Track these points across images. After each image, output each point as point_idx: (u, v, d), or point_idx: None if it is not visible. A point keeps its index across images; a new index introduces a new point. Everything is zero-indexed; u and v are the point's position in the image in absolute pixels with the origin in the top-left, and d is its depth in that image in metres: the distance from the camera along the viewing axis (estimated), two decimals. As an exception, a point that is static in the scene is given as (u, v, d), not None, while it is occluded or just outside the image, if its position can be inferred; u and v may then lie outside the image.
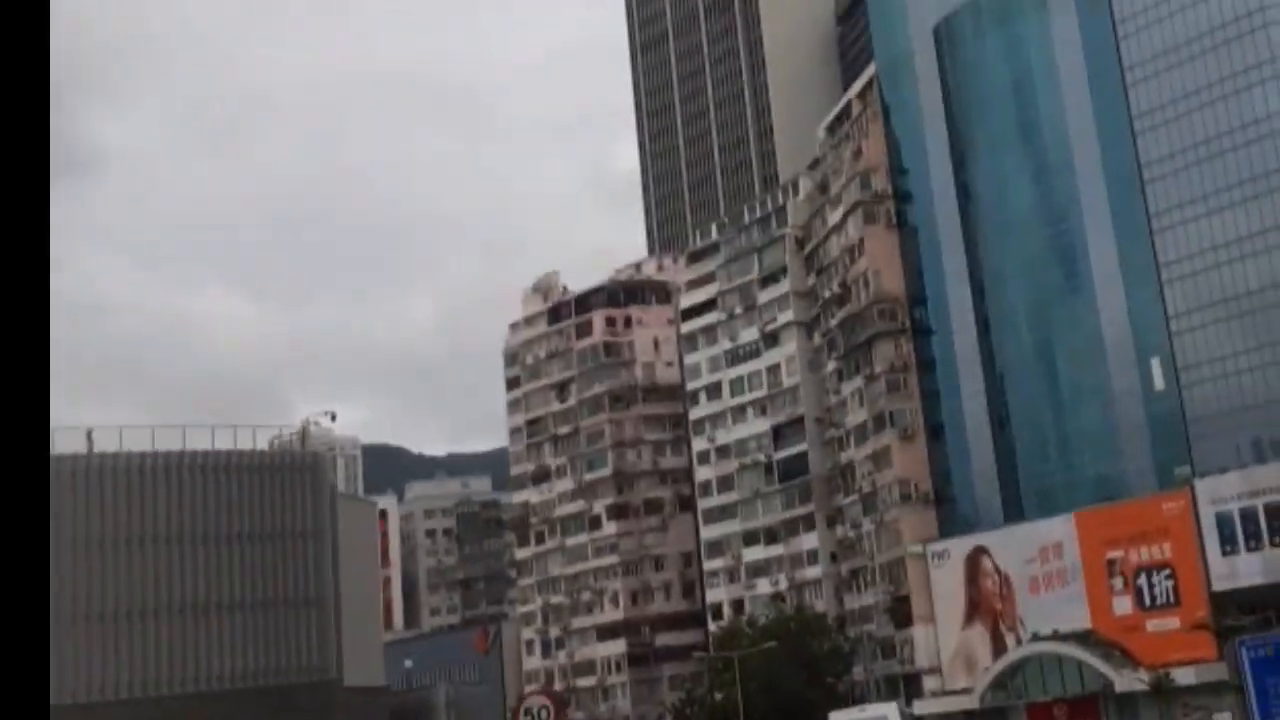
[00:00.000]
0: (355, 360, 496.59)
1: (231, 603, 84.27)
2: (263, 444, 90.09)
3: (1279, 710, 54.76)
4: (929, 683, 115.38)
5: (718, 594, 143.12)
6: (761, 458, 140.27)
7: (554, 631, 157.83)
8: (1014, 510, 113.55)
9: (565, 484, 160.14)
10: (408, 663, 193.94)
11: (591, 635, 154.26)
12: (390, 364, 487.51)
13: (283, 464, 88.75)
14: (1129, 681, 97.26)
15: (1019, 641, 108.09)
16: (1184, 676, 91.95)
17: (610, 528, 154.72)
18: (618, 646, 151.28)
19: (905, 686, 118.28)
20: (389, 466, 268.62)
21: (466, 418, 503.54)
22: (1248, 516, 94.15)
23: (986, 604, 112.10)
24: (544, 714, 34.86)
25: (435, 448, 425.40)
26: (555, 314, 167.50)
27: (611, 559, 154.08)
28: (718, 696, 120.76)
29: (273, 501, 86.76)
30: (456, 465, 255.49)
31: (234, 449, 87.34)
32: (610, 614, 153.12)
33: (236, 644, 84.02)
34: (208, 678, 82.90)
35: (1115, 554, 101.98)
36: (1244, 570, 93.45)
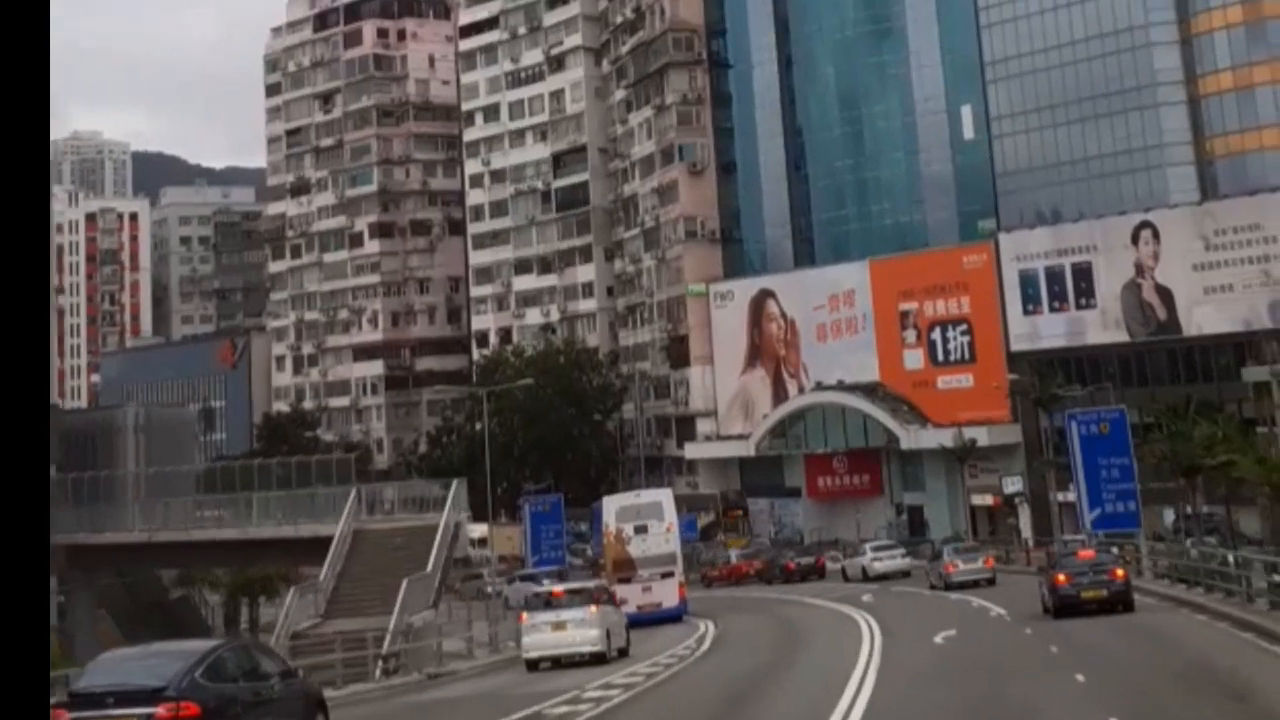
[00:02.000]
0: (137, 69, 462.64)
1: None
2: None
3: (1107, 491, 47.32)
4: (703, 426, 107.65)
5: (485, 321, 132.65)
6: (539, 185, 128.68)
7: (307, 349, 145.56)
8: (805, 256, 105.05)
9: (326, 198, 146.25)
10: (95, 378, 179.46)
11: (348, 355, 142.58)
12: (172, 74, 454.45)
13: None
14: (914, 437, 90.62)
15: (801, 390, 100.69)
16: (975, 436, 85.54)
17: (373, 246, 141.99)
18: (375, 368, 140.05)
19: (678, 429, 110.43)
20: (163, 175, 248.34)
21: (250, 132, 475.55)
22: (1054, 276, 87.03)
23: (770, 349, 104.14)
24: None
25: (215, 160, 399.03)
26: (322, 21, 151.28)
27: (373, 278, 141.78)
28: (477, 427, 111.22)
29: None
30: (234, 178, 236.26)
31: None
32: (369, 334, 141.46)
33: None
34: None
35: (910, 306, 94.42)
36: (1045, 331, 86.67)
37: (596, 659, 31.87)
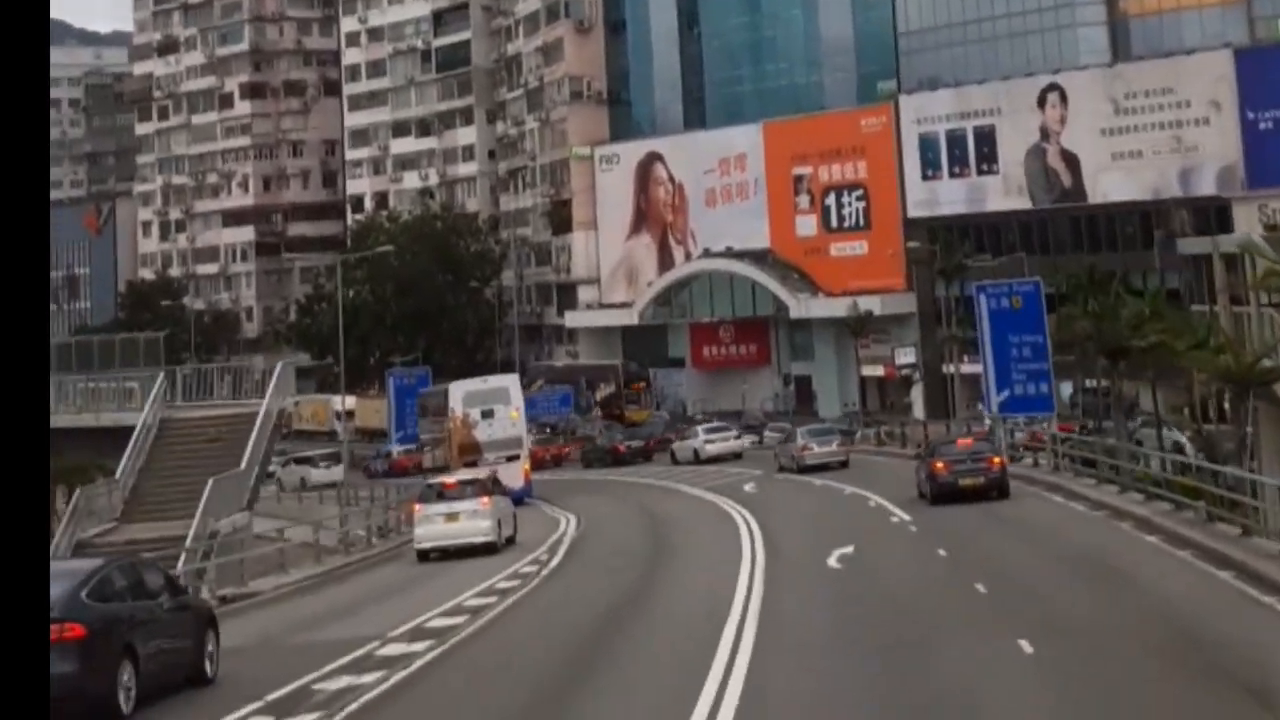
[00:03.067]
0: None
1: None
2: None
3: (1018, 371, 41.89)
4: (585, 294, 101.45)
5: (360, 186, 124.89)
6: (419, 44, 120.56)
7: (175, 214, 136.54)
8: (696, 118, 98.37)
9: (195, 58, 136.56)
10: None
11: (217, 220, 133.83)
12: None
13: None
14: (804, 306, 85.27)
15: (688, 257, 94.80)
16: (868, 306, 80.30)
17: (244, 108, 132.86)
18: (245, 234, 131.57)
19: (559, 296, 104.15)
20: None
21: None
22: (955, 140, 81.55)
23: (656, 214, 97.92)
24: None
25: (100, 23, 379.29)
26: None
27: (243, 141, 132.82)
28: (349, 294, 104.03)
29: None
30: (119, 41, 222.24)
31: None
32: (239, 199, 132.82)
33: None
34: None
35: (804, 170, 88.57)
36: (944, 197, 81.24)
37: (489, 549, 31.66)
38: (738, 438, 61.61)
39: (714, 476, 49.73)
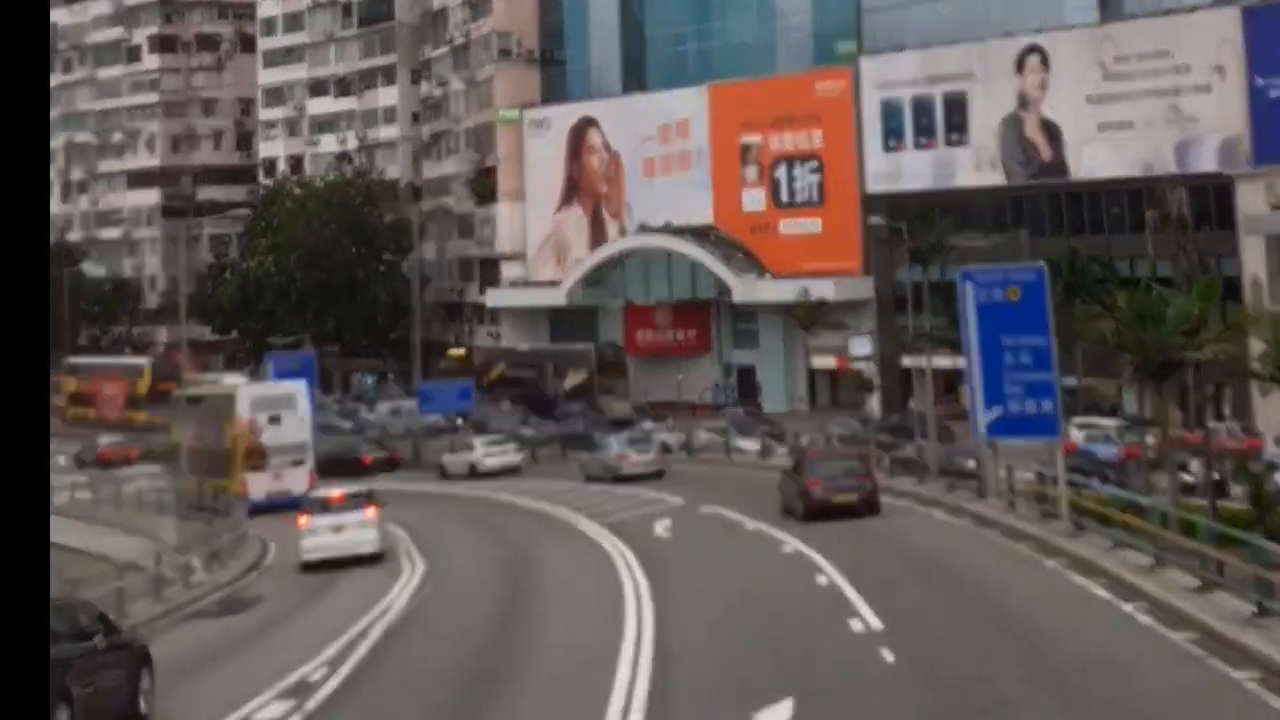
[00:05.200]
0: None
1: None
2: None
3: (1013, 382, 31.82)
4: (510, 270, 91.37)
5: (274, 148, 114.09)
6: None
7: (76, 174, 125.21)
8: (635, 80, 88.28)
9: (101, 6, 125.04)
10: None
11: (121, 182, 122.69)
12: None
13: None
14: (750, 288, 75.76)
15: (623, 232, 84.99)
16: (821, 290, 70.94)
17: (152, 62, 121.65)
18: (150, 196, 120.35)
19: (481, 273, 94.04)
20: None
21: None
22: (922, 107, 72.19)
23: (589, 185, 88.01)
24: None
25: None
26: None
27: (151, 97, 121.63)
28: (253, 265, 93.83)
29: None
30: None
31: None
32: (145, 160, 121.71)
33: None
34: None
35: (752, 139, 78.97)
36: (909, 170, 71.81)
37: (374, 559, 32.11)
38: (517, 450, 57.03)
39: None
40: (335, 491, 35.34)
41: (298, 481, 46.06)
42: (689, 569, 26.95)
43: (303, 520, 33.08)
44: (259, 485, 44.96)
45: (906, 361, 67.35)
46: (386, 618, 23.71)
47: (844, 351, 71.59)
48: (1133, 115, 64.81)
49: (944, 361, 55.11)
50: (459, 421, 71.19)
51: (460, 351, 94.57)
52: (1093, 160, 66.01)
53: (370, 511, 33.00)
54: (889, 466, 41.91)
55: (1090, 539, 25.67)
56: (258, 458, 46.93)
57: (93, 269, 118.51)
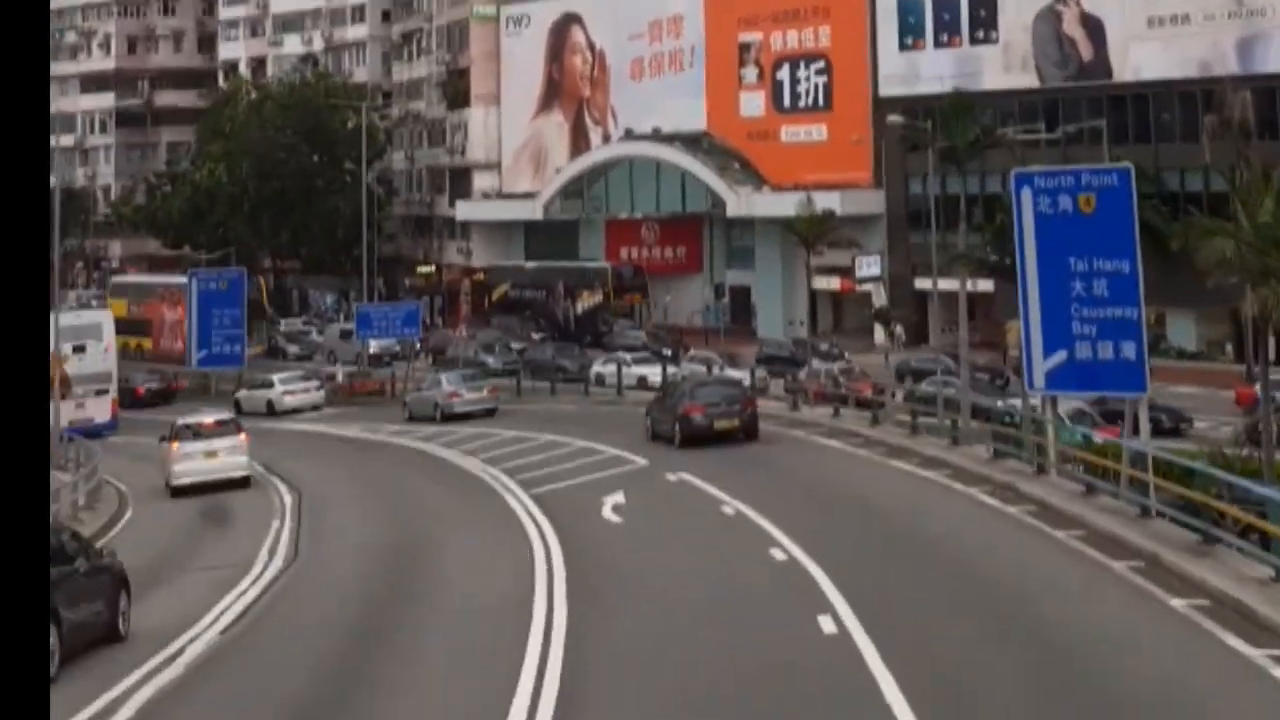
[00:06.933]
0: None
1: None
2: None
3: (1083, 319, 23.72)
4: (482, 180, 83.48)
5: (235, 50, 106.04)
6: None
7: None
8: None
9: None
10: None
11: (74, 85, 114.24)
12: None
13: None
14: (746, 202, 68.01)
15: (607, 139, 77.15)
16: (827, 204, 62.92)
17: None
18: (104, 101, 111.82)
19: (452, 183, 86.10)
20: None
21: None
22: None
23: (572, 88, 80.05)
24: None
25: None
26: None
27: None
28: (203, 174, 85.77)
29: None
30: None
31: None
32: (99, 61, 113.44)
33: None
34: None
35: (752, 37, 71.11)
36: (927, 71, 63.66)
37: (243, 482, 33.09)
38: (318, 388, 54.60)
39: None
40: (207, 418, 36.12)
41: (101, 410, 48.82)
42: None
43: (174, 445, 33.80)
44: (64, 413, 43.80)
45: (921, 285, 60.04)
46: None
47: (850, 272, 63.86)
48: (1188, 7, 56.75)
49: (949, 285, 47.46)
50: (416, 347, 63.91)
51: (429, 269, 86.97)
52: (1140, 59, 57.98)
53: (242, 436, 34.22)
54: (909, 418, 33.08)
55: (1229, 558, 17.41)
56: (64, 387, 46.03)
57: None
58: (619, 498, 25.75)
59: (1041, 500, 22.93)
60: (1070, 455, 25.16)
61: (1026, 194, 24.32)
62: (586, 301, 70.17)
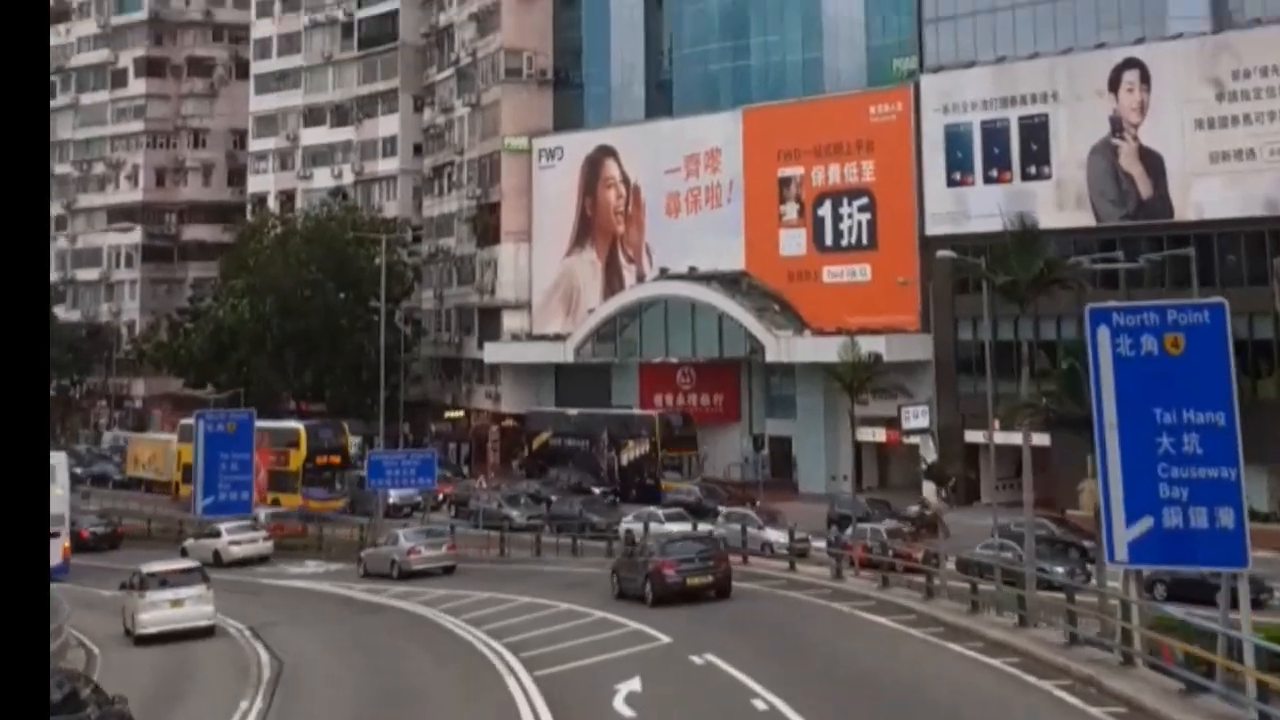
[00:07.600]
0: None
1: None
2: None
3: (1171, 480, 20.48)
4: (512, 321, 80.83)
5: (264, 182, 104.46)
6: (339, 14, 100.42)
7: (55, 209, 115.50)
8: (662, 105, 78.08)
9: (88, 26, 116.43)
10: None
11: (101, 218, 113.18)
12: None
13: None
14: (786, 347, 64.93)
15: (641, 278, 74.40)
16: (870, 347, 59.63)
17: (138, 86, 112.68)
18: (131, 235, 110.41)
19: (481, 323, 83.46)
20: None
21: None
22: (993, 134, 61.47)
23: (605, 224, 77.62)
24: None
25: None
26: None
27: (136, 125, 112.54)
28: (224, 310, 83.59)
29: None
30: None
31: None
32: (127, 194, 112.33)
33: None
34: None
35: (793, 172, 68.48)
36: (976, 209, 60.74)
37: (207, 632, 33.24)
38: (266, 539, 53.29)
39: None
40: (172, 565, 36.39)
41: (53, 554, 45.09)
42: None
43: (140, 595, 33.76)
44: None
45: (971, 437, 56.70)
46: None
47: (896, 423, 60.37)
48: (1253, 142, 53.91)
49: (1000, 438, 44.25)
50: (439, 498, 60.93)
51: (458, 414, 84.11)
52: (1203, 197, 55.03)
53: (206, 586, 33.99)
54: (970, 595, 30.23)
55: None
56: None
57: (67, 313, 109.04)
58: (635, 684, 23.06)
59: (1131, 700, 20.21)
60: (1161, 644, 22.35)
61: (1104, 333, 21.40)
62: (632, 452, 66.83)
